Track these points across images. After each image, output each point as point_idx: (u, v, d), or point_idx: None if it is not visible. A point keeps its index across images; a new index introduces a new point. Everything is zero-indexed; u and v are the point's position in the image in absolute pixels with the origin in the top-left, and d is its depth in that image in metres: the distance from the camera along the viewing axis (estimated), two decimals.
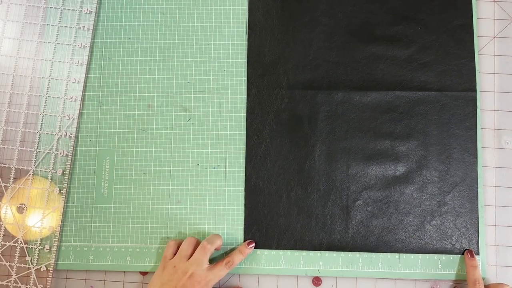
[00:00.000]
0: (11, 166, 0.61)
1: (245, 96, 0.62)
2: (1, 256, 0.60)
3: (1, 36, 0.63)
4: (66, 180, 0.61)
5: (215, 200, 0.61)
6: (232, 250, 0.60)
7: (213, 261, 0.59)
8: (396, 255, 0.59)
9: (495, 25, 0.64)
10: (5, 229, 0.60)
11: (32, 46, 0.63)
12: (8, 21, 0.63)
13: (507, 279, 0.59)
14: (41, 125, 0.62)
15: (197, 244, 0.57)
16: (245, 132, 0.62)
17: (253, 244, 0.59)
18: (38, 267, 0.59)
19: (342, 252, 0.60)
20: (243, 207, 0.61)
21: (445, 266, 0.59)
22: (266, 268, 0.60)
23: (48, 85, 0.62)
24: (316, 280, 0.60)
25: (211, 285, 0.55)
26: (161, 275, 0.55)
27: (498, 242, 0.60)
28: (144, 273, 0.60)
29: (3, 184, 0.61)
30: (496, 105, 0.62)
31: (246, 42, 0.63)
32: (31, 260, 0.59)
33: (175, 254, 0.57)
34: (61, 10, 0.63)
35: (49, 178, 0.61)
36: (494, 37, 0.63)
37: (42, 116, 0.62)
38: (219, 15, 0.63)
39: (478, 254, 0.59)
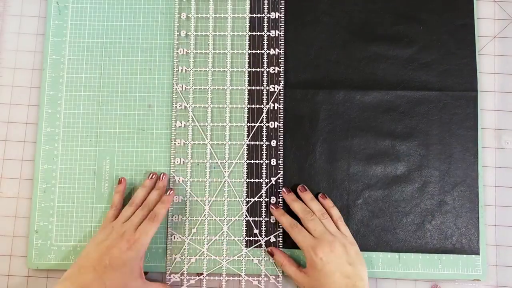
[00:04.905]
0: None
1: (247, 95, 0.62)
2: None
3: None
4: None
5: (215, 195, 0.61)
6: (233, 249, 0.60)
7: None
8: (396, 255, 0.59)
9: (495, 25, 0.64)
10: None
11: None
12: None
13: (507, 279, 0.60)
14: None
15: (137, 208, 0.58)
16: (246, 130, 0.61)
17: (173, 191, 0.59)
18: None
19: None
20: (244, 206, 0.60)
21: (445, 266, 0.59)
22: (269, 268, 0.59)
23: None
24: None
25: (141, 244, 0.54)
26: (100, 233, 0.56)
27: (498, 242, 0.60)
28: (144, 273, 0.60)
29: None
30: (496, 105, 0.62)
31: (248, 41, 0.62)
32: None
33: (116, 217, 0.57)
34: None
35: None
36: (494, 37, 0.63)
37: None
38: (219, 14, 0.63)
39: (479, 254, 0.59)
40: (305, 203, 0.59)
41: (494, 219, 0.61)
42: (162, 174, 0.60)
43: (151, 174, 0.60)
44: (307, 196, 0.59)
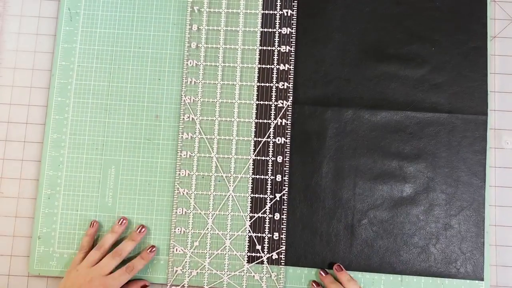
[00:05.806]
0: None
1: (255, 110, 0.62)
2: None
3: None
4: None
5: (219, 208, 0.60)
6: (235, 264, 0.59)
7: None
8: (399, 277, 0.59)
9: (495, 25, 0.63)
10: None
11: None
12: None
13: (507, 280, 0.60)
14: None
15: (105, 253, 0.57)
16: (253, 144, 0.61)
17: (155, 249, 0.59)
18: None
19: None
20: (248, 221, 0.60)
21: None
22: (270, 285, 0.59)
23: None
24: None
25: None
26: (67, 278, 0.56)
27: (498, 242, 0.60)
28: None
29: None
30: (496, 105, 0.62)
31: (258, 55, 0.62)
32: None
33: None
34: None
35: None
36: (494, 37, 0.63)
37: None
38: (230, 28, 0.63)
39: (483, 280, 0.58)
40: (342, 284, 0.57)
41: (494, 219, 0.60)
42: (140, 227, 0.59)
43: (121, 220, 0.59)
44: (344, 277, 0.57)
